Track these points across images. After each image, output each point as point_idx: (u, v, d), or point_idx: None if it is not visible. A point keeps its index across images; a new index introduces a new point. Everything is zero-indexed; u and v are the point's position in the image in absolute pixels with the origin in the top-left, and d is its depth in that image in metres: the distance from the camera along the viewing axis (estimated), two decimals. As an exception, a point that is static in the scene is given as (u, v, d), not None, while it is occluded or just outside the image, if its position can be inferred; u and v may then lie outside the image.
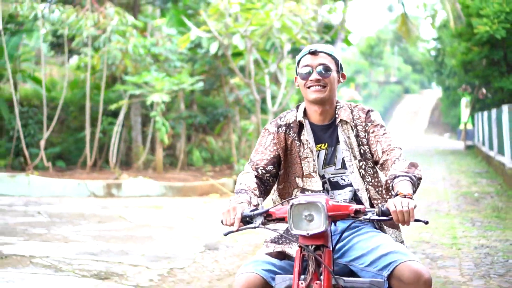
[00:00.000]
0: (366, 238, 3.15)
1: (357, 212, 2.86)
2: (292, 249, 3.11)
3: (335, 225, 2.99)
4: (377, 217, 2.83)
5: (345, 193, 3.33)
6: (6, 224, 8.71)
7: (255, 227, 2.90)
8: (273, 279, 3.00)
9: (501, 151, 15.91)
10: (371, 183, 3.34)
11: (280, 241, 3.21)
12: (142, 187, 12.27)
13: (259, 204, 3.14)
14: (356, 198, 3.33)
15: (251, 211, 2.92)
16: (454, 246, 7.60)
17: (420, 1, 33.70)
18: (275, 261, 3.10)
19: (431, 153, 25.16)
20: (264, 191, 3.31)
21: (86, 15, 11.17)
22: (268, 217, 2.93)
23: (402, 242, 3.28)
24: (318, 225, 2.77)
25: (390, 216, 2.80)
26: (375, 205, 3.28)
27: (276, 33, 12.41)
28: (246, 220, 2.90)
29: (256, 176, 3.28)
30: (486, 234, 8.32)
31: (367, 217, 2.86)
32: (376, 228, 3.29)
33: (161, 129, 13.06)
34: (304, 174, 3.35)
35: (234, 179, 13.30)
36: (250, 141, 17.29)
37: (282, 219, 2.91)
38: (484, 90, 26.26)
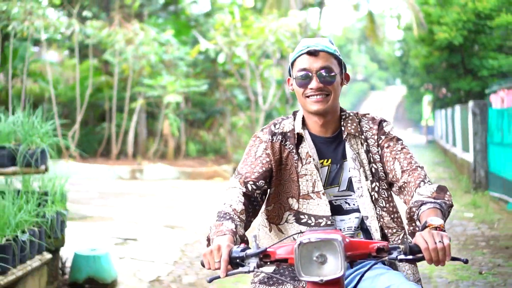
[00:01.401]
0: (372, 276, 2.58)
1: (379, 250, 2.28)
2: None
3: (351, 267, 2.50)
4: (405, 257, 2.25)
5: (350, 221, 2.76)
6: (69, 198, 11.12)
7: (249, 272, 2.29)
8: None
9: (454, 144, 18.74)
10: (385, 209, 2.75)
11: (271, 282, 2.68)
12: (160, 172, 14.78)
13: (245, 236, 2.51)
14: (363, 227, 2.77)
15: (242, 250, 2.30)
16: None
17: (387, 6, 35.92)
18: None
19: (396, 147, 27.75)
20: (252, 213, 2.71)
21: (116, 30, 13.54)
22: (265, 258, 2.31)
23: (419, 280, 2.72)
24: (334, 268, 2.19)
25: (421, 255, 2.23)
26: (388, 234, 2.74)
27: (270, 45, 14.95)
28: (236, 262, 2.29)
29: (244, 194, 2.69)
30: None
31: (393, 256, 2.27)
32: (385, 264, 2.68)
33: (173, 124, 15.54)
34: (301, 194, 2.77)
35: (233, 166, 15.88)
36: (239, 135, 19.79)
37: (284, 261, 2.30)
38: (444, 90, 28.81)
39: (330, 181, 2.77)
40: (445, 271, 6.49)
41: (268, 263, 2.29)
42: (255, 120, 16.62)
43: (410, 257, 2.22)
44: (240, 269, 2.28)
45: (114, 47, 13.65)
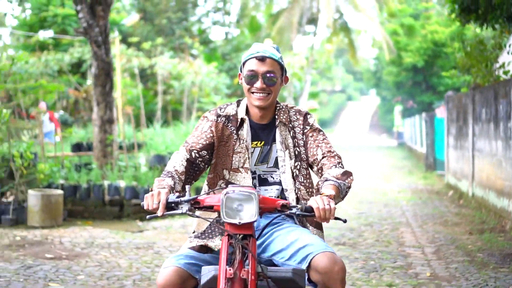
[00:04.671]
0: (286, 232, 3.19)
1: (283, 206, 2.95)
2: (214, 243, 3.19)
3: (260, 217, 3.06)
4: (301, 212, 2.92)
5: (272, 191, 3.37)
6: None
7: (181, 213, 2.91)
8: (197, 271, 3.06)
9: (415, 143, 25.66)
10: (303, 184, 3.37)
11: (203, 236, 3.25)
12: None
13: (184, 190, 3.12)
14: (282, 197, 3.35)
15: (177, 197, 2.91)
16: (385, 180, 16.92)
17: (362, 27, 40.81)
18: (198, 254, 3.16)
19: (373, 148, 34.68)
20: (193, 176, 3.30)
21: (187, 66, 19.94)
22: (195, 205, 2.94)
23: (322, 236, 3.40)
24: (249, 215, 2.82)
25: (313, 213, 2.90)
26: None
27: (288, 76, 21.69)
28: (171, 206, 2.90)
29: (187, 160, 3.27)
30: (402, 179, 17.70)
31: (292, 211, 2.94)
32: (296, 224, 3.33)
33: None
34: (232, 167, 3.35)
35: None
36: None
37: (209, 208, 2.94)
38: (411, 102, 35.62)
39: (261, 159, 3.39)
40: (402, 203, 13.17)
41: (197, 208, 2.95)
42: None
43: (305, 213, 2.90)
44: (174, 211, 2.90)
45: (185, 78, 20.05)
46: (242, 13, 28.57)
